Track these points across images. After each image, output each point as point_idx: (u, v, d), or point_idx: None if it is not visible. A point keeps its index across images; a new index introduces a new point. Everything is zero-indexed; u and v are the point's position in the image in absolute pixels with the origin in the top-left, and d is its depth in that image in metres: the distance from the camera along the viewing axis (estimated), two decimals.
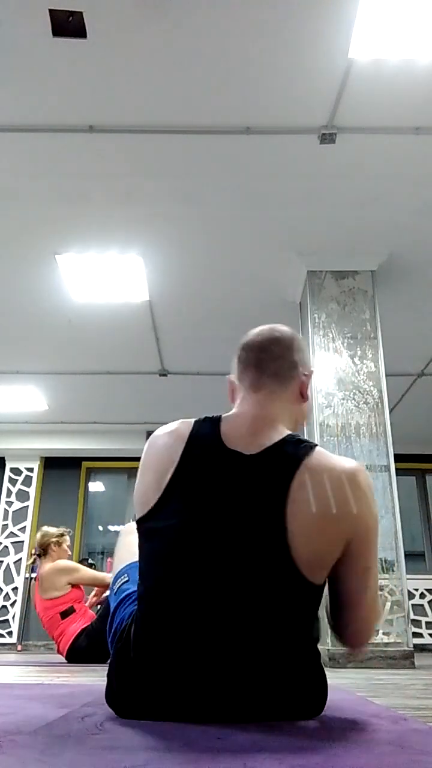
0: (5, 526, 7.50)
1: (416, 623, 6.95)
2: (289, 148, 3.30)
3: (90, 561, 5.54)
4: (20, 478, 7.72)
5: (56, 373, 5.98)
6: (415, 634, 6.66)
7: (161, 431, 1.19)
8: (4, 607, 7.18)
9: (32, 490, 7.65)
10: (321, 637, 1.31)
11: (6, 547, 7.42)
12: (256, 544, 1.02)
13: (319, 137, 3.20)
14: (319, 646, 1.24)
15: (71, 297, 4.63)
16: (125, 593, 1.26)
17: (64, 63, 2.82)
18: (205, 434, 1.13)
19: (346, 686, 1.99)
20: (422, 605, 7.14)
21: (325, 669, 1.13)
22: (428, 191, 3.62)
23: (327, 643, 3.25)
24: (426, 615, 7.13)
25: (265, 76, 2.90)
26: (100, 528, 8.42)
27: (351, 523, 1.04)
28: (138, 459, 1.21)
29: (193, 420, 1.17)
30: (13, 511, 7.56)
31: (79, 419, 7.10)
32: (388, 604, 3.37)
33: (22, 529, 7.47)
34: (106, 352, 5.59)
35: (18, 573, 7.22)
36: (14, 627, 7.08)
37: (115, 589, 1.33)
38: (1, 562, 7.36)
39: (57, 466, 7.80)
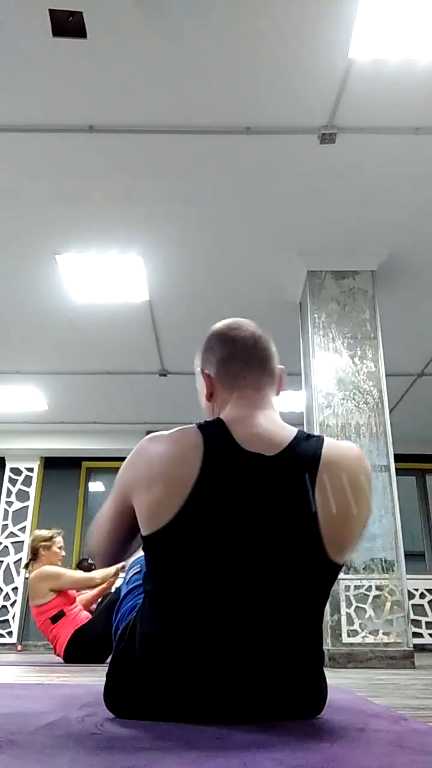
0: (5, 526, 7.50)
1: (416, 623, 6.95)
2: (289, 148, 3.30)
3: (90, 561, 5.53)
4: (20, 478, 7.73)
5: (56, 373, 5.98)
6: (415, 634, 6.65)
7: (158, 441, 1.12)
8: (4, 607, 7.18)
9: (32, 490, 7.66)
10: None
11: (6, 547, 7.42)
12: (291, 542, 1.04)
13: (319, 137, 3.19)
14: None
15: (71, 297, 4.63)
16: (136, 583, 1.32)
17: (64, 63, 2.81)
18: (219, 440, 1.09)
19: (346, 686, 1.99)
20: (422, 605, 7.15)
21: (325, 669, 1.14)
22: (428, 191, 3.62)
23: (327, 643, 3.26)
24: (426, 615, 7.13)
25: (265, 76, 2.89)
26: None
27: (367, 503, 1.14)
28: None
29: (193, 427, 1.12)
30: (13, 511, 7.57)
31: (79, 419, 7.10)
32: (388, 604, 3.37)
33: (22, 529, 7.47)
34: (106, 352, 5.59)
35: (18, 573, 7.22)
36: (14, 627, 7.08)
37: (128, 578, 1.40)
38: (1, 562, 7.37)
39: (57, 466, 7.81)
